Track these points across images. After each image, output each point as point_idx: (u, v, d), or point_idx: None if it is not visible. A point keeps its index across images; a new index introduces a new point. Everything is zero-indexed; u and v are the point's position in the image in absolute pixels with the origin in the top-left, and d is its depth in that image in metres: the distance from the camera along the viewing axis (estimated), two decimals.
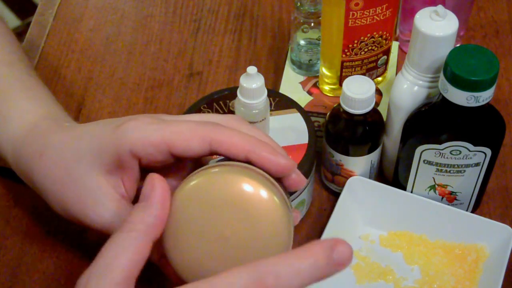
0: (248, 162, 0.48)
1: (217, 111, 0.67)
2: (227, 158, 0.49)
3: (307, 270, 0.42)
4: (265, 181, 0.46)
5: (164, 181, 0.46)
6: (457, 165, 0.63)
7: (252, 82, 0.60)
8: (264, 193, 0.45)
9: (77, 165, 0.52)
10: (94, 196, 0.51)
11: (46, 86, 0.66)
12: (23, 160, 0.57)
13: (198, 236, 0.46)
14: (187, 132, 0.48)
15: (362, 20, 0.66)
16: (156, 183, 0.46)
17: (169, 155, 0.49)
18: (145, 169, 0.52)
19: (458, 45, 0.61)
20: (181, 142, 0.48)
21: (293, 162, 0.48)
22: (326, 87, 0.73)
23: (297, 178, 0.49)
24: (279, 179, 0.49)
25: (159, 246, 0.49)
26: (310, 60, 0.74)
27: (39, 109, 0.61)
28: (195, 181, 0.46)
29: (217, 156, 0.50)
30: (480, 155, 0.62)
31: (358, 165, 0.68)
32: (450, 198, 0.67)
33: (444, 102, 0.58)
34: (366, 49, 0.69)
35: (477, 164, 0.63)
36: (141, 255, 0.44)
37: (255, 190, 0.45)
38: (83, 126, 0.55)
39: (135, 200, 0.52)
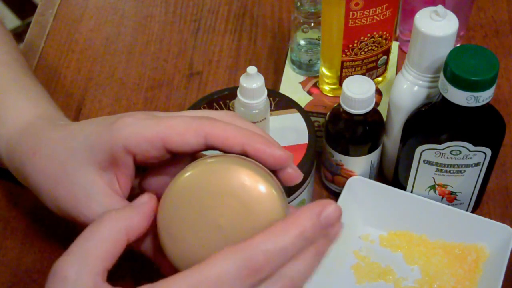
0: (244, 154, 0.48)
1: None
2: (223, 153, 0.49)
3: (295, 242, 0.42)
4: (262, 172, 0.46)
5: (156, 202, 0.48)
6: (457, 165, 0.63)
7: (252, 82, 0.60)
8: (260, 182, 0.45)
9: (71, 162, 0.52)
10: (87, 192, 0.51)
11: (42, 86, 0.66)
12: (17, 158, 0.57)
13: (193, 226, 0.46)
14: (182, 126, 0.48)
15: (362, 20, 0.66)
16: (153, 201, 0.48)
17: (164, 151, 0.49)
18: (140, 167, 0.52)
19: (458, 45, 0.61)
20: (176, 136, 0.48)
21: (289, 153, 0.48)
22: (326, 87, 0.73)
23: (293, 173, 0.49)
24: (275, 174, 0.49)
25: (154, 241, 0.49)
26: (310, 60, 0.74)
27: (33, 109, 0.61)
28: (190, 172, 0.46)
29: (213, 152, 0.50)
30: (480, 155, 0.62)
31: (358, 165, 0.68)
32: (450, 198, 0.67)
33: (444, 102, 0.58)
34: (366, 49, 0.69)
35: (477, 164, 0.63)
36: (117, 253, 0.45)
37: (251, 180, 0.45)
38: (77, 124, 0.55)
39: (130, 197, 0.53)
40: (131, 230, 0.46)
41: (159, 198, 0.49)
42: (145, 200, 0.48)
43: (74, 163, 0.52)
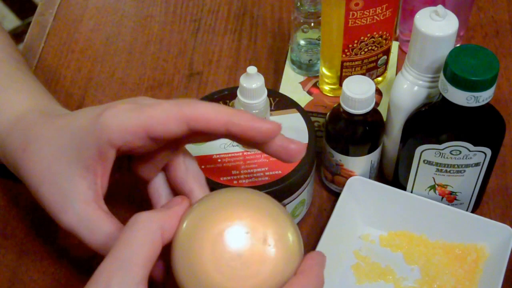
0: (230, 135, 0.48)
1: None
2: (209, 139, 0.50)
3: (314, 284, 0.47)
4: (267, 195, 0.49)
5: (188, 204, 0.49)
6: (457, 165, 0.63)
7: (252, 82, 0.60)
8: (271, 200, 0.48)
9: (57, 163, 0.52)
10: (66, 198, 0.52)
11: (37, 79, 0.67)
12: (8, 153, 0.57)
13: (211, 256, 0.46)
14: (163, 114, 0.48)
15: (362, 20, 0.66)
16: (185, 202, 0.48)
17: (148, 140, 0.49)
18: (127, 156, 0.53)
19: (458, 45, 0.61)
20: (158, 125, 0.48)
21: (277, 124, 0.48)
22: (326, 87, 0.73)
23: (296, 148, 0.49)
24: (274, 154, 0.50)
25: (163, 270, 0.50)
26: (310, 60, 0.74)
27: (26, 102, 0.61)
28: (200, 206, 0.48)
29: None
30: (480, 155, 0.62)
31: (358, 165, 0.68)
32: (450, 198, 0.67)
33: (444, 102, 0.58)
34: (366, 49, 0.69)
35: (477, 164, 0.63)
36: (155, 256, 0.45)
37: (264, 199, 0.48)
38: (66, 118, 0.55)
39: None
40: (165, 231, 0.46)
41: (146, 181, 0.51)
42: (178, 202, 0.48)
43: (60, 164, 0.52)
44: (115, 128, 0.49)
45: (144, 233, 0.45)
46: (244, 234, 0.46)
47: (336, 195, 0.69)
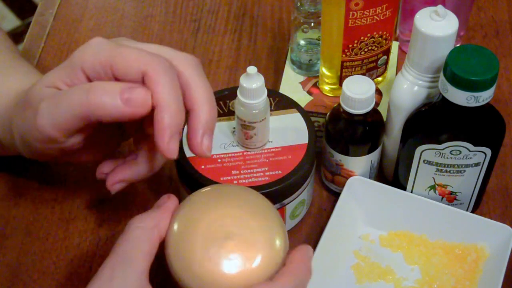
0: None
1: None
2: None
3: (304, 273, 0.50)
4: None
5: (176, 200, 0.52)
6: (457, 165, 0.63)
7: (252, 82, 0.60)
8: (261, 197, 0.51)
9: (35, 95, 0.54)
10: (37, 101, 0.53)
11: (29, 63, 0.69)
12: (7, 129, 0.59)
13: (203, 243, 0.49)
14: (128, 57, 0.51)
15: (362, 20, 0.66)
16: (174, 199, 0.52)
17: (113, 78, 0.52)
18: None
19: (458, 45, 0.61)
20: (121, 65, 0.51)
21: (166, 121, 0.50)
22: (326, 87, 0.73)
23: (163, 146, 0.51)
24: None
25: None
26: (310, 60, 0.74)
27: (23, 82, 0.62)
28: (191, 201, 0.51)
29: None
30: (480, 155, 0.62)
31: (358, 165, 0.68)
32: (450, 198, 0.67)
33: (444, 102, 0.58)
34: (366, 49, 0.69)
35: (477, 164, 0.63)
36: (153, 251, 0.49)
37: (254, 196, 0.51)
38: None
39: None
40: (160, 228, 0.50)
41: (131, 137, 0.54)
42: (166, 200, 0.52)
43: (36, 92, 0.54)
44: (88, 56, 0.52)
45: (142, 232, 0.49)
46: (231, 225, 0.49)
47: (336, 195, 0.69)
